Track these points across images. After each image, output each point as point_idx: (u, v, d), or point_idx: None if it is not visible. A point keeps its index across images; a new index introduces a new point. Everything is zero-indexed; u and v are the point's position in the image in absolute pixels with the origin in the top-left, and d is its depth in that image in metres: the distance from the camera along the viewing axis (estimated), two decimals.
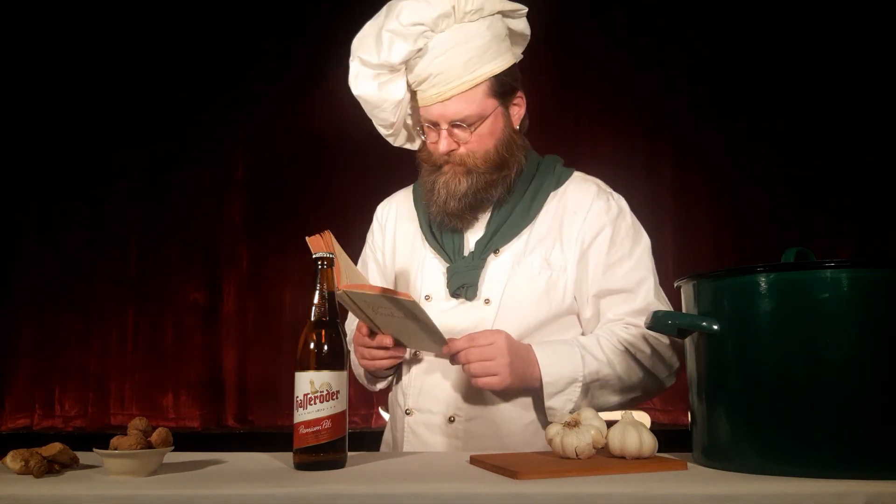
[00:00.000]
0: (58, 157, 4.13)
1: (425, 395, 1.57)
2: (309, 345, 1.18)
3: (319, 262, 1.23)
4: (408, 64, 1.50)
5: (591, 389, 1.47)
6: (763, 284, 1.07)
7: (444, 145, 1.53)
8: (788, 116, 3.92)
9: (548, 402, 1.46)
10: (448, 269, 1.59)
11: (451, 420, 1.54)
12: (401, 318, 1.38)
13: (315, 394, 1.15)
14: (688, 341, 1.20)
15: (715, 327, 1.11)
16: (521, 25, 1.61)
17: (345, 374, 1.19)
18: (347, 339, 1.62)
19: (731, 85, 3.96)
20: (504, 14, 1.55)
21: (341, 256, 1.38)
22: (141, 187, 4.15)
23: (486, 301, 1.55)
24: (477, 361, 1.39)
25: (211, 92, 4.13)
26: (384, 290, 1.35)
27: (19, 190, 4.14)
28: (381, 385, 1.71)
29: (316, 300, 1.21)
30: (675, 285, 1.26)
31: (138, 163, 4.15)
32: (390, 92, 1.53)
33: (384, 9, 1.51)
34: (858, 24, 3.87)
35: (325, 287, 1.22)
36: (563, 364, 1.45)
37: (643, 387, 1.52)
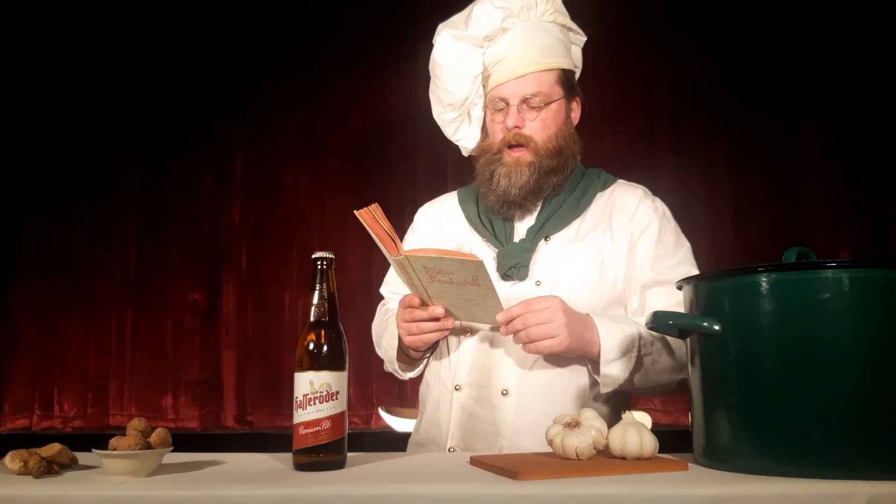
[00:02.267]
0: (58, 157, 4.13)
1: (476, 369, 1.57)
2: (308, 345, 1.18)
3: (319, 262, 1.22)
4: (488, 43, 1.62)
5: (645, 363, 1.47)
6: (763, 284, 1.06)
7: (512, 120, 1.60)
8: (788, 116, 3.93)
9: (604, 369, 1.46)
10: (499, 252, 1.62)
11: (504, 393, 1.53)
12: (459, 284, 1.38)
13: (315, 394, 1.14)
14: (688, 341, 1.20)
15: (715, 327, 1.11)
16: (577, 53, 1.74)
17: (344, 374, 1.19)
18: (390, 319, 1.64)
19: (731, 84, 3.96)
20: (569, 32, 1.70)
21: (390, 226, 1.41)
22: (141, 187, 4.15)
23: (538, 283, 1.57)
24: (535, 325, 1.40)
25: (211, 92, 4.13)
26: (447, 251, 1.36)
27: (19, 190, 4.14)
28: (411, 374, 1.71)
29: (315, 300, 1.21)
30: (676, 285, 1.26)
31: (138, 163, 4.15)
32: (469, 63, 1.63)
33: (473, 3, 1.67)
34: (857, 23, 3.87)
35: (324, 287, 1.22)
36: (620, 331, 1.46)
37: None
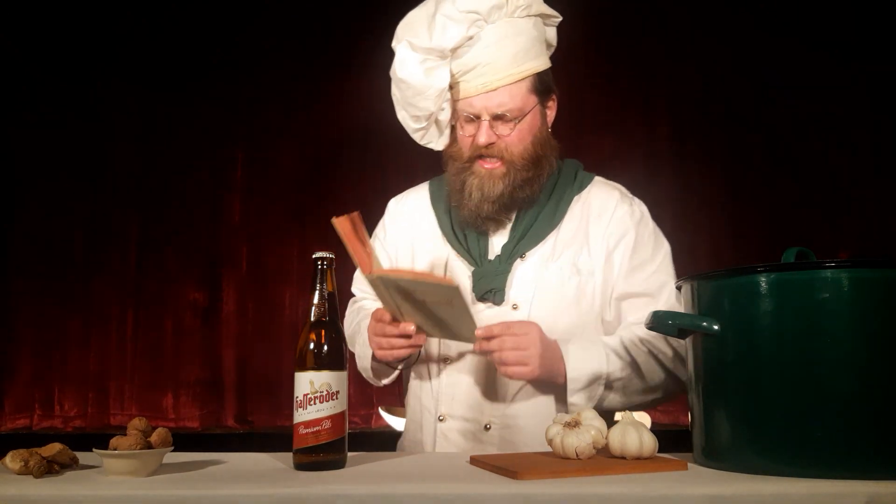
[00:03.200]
0: (57, 156, 4.13)
1: (459, 401, 1.56)
2: (309, 345, 1.18)
3: (319, 262, 1.22)
4: (455, 52, 1.49)
5: (614, 388, 1.47)
6: (763, 284, 1.07)
7: (484, 137, 1.51)
8: (788, 116, 3.92)
9: (570, 398, 1.46)
10: (474, 272, 1.57)
11: (486, 427, 1.53)
12: (433, 304, 1.36)
13: (315, 394, 1.14)
14: (688, 341, 1.20)
15: (715, 327, 1.11)
16: (552, 34, 1.64)
17: (345, 374, 1.19)
18: (362, 321, 1.62)
19: (732, 85, 3.96)
20: (544, 19, 1.59)
21: (368, 240, 1.38)
22: (140, 187, 4.15)
23: (515, 307, 1.54)
24: (511, 349, 1.39)
25: (211, 92, 4.13)
26: (422, 274, 1.34)
27: (19, 189, 4.14)
28: (385, 381, 1.69)
29: (316, 300, 1.21)
30: (676, 285, 1.26)
31: (138, 162, 4.15)
32: (436, 78, 1.50)
33: None
34: (857, 22, 3.87)
35: (325, 287, 1.22)
36: (587, 361, 1.46)
37: (665, 388, 1.53)
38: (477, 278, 1.56)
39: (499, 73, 1.49)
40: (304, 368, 1.17)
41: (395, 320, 1.46)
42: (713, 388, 1.14)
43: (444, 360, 1.58)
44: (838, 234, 3.87)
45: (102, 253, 4.11)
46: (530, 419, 1.52)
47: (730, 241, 3.87)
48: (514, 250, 1.57)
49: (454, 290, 1.31)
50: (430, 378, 1.61)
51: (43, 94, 4.15)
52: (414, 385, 1.67)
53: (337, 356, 1.18)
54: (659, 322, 1.18)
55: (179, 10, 4.10)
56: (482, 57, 1.48)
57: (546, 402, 1.53)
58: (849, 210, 3.88)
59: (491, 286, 1.54)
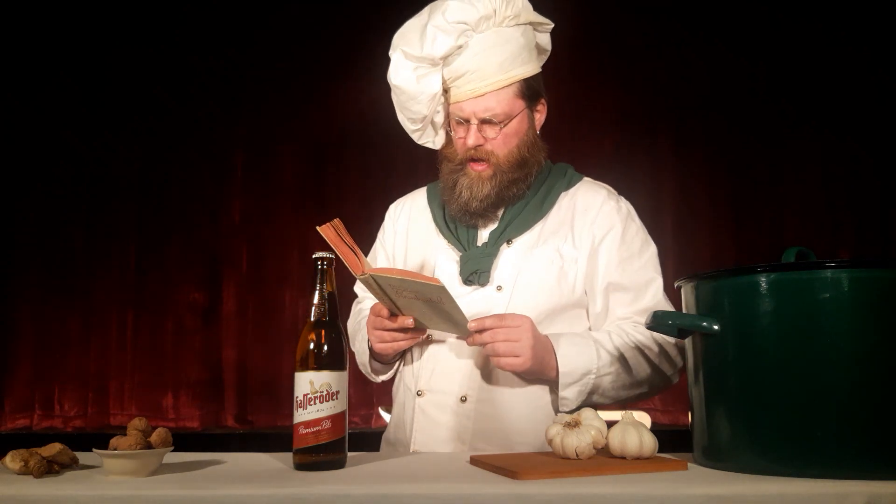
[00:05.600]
0: (57, 156, 4.13)
1: (438, 375, 1.59)
2: (309, 345, 1.18)
3: (319, 262, 1.23)
4: (446, 60, 1.58)
5: (603, 383, 1.50)
6: (763, 284, 1.07)
7: (472, 139, 1.59)
8: (788, 117, 3.93)
9: (562, 392, 1.49)
10: (461, 257, 1.63)
11: (462, 399, 1.55)
12: (424, 301, 1.40)
13: (315, 394, 1.15)
14: (688, 341, 1.20)
15: (715, 327, 1.11)
16: (545, 40, 1.71)
17: (345, 374, 1.19)
18: (363, 321, 1.64)
19: (733, 85, 3.96)
20: (534, 26, 1.65)
21: (353, 243, 1.41)
22: (141, 187, 4.15)
23: (499, 288, 1.59)
24: (503, 341, 1.42)
25: (211, 92, 4.14)
26: (411, 273, 1.37)
27: (18, 189, 4.14)
28: (383, 377, 1.72)
29: (316, 300, 1.21)
30: (676, 285, 1.27)
31: (138, 163, 4.15)
32: (427, 84, 1.59)
33: (427, 8, 1.61)
34: (858, 23, 3.87)
35: (325, 287, 1.22)
36: (579, 356, 1.49)
37: (650, 383, 1.57)
38: (464, 262, 1.62)
39: (486, 79, 1.57)
40: (304, 368, 1.17)
41: (393, 315, 1.49)
42: (713, 388, 1.14)
43: (428, 337, 1.61)
44: (838, 234, 3.87)
45: (102, 253, 4.11)
46: (507, 393, 1.55)
47: (730, 241, 3.87)
48: (502, 236, 1.63)
49: (440, 289, 1.34)
50: (412, 357, 1.65)
51: (43, 93, 4.15)
52: (400, 369, 1.71)
53: (337, 356, 1.18)
54: (659, 322, 1.18)
55: (179, 11, 4.11)
56: (470, 64, 1.56)
57: (524, 380, 1.56)
58: (849, 210, 3.88)
59: (476, 267, 1.60)
